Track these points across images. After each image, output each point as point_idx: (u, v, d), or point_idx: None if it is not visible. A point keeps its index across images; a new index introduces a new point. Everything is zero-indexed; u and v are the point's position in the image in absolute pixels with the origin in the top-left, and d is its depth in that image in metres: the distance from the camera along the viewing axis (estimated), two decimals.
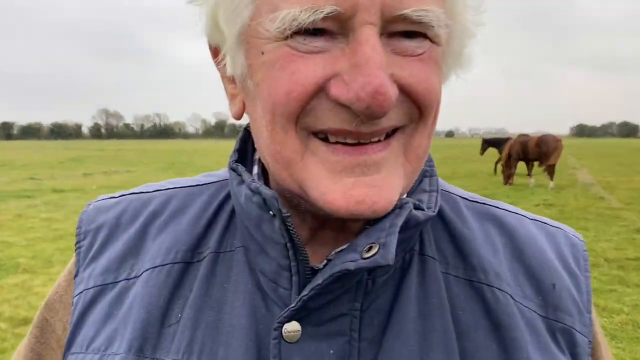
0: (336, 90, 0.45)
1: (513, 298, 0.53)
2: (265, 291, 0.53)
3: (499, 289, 0.53)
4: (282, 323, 0.49)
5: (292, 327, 0.49)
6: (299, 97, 0.45)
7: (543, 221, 0.60)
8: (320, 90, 0.45)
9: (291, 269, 0.50)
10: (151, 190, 0.66)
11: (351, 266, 0.46)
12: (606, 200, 12.48)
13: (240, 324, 0.52)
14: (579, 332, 0.54)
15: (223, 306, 0.54)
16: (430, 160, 0.58)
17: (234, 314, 0.53)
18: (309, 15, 0.42)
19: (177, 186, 0.66)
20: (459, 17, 0.48)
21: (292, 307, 0.48)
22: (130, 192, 0.67)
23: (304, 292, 0.48)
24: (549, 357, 0.51)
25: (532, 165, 16.56)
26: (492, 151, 21.13)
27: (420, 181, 0.56)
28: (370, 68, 0.42)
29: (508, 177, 16.52)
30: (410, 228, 0.49)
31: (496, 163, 19.35)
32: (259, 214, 0.51)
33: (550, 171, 15.66)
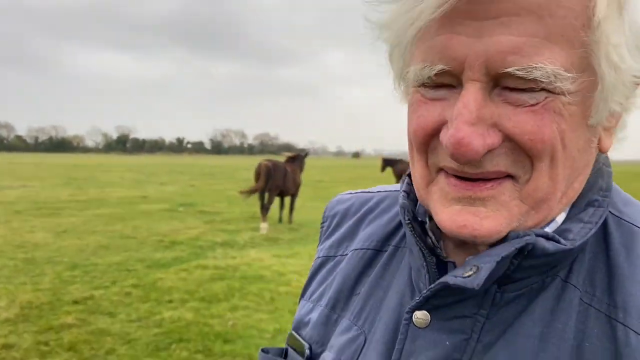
0: (441, 135, 0.52)
1: None
2: (412, 283, 0.64)
3: (635, 332, 0.50)
4: (413, 310, 0.57)
5: (422, 315, 0.57)
6: (422, 136, 0.55)
7: None
8: (439, 132, 0.53)
9: (425, 268, 0.59)
10: (374, 191, 0.84)
11: (450, 281, 0.51)
12: None
13: (392, 305, 0.64)
14: None
15: (388, 289, 0.67)
16: (605, 190, 0.58)
17: (392, 297, 0.65)
18: (426, 72, 0.51)
19: (391, 190, 0.82)
20: (611, 63, 0.48)
21: (417, 300, 0.57)
22: (362, 191, 0.86)
23: (424, 291, 0.56)
24: None
25: None
26: (390, 171, 22.59)
27: (582, 210, 0.56)
28: (457, 122, 0.48)
29: None
30: (537, 257, 0.52)
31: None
32: (403, 220, 0.64)
33: None
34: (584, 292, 0.54)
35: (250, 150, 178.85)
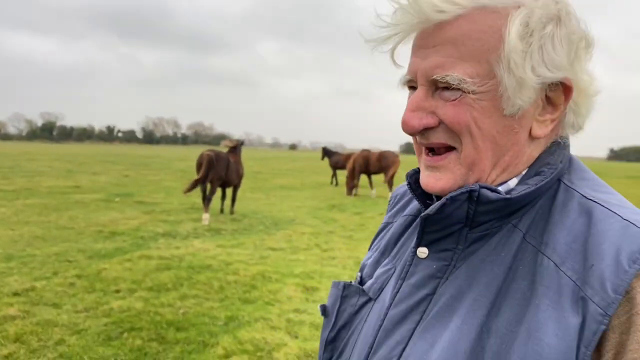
0: None
1: (558, 267, 0.68)
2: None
3: (549, 258, 0.70)
4: (417, 247, 0.82)
5: (423, 250, 0.80)
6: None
7: (634, 222, 0.68)
8: None
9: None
10: None
11: (422, 213, 0.78)
12: None
13: (411, 248, 0.86)
14: (595, 303, 0.64)
15: (412, 239, 0.89)
16: (552, 165, 0.77)
17: (411, 243, 0.87)
18: (404, 79, 0.80)
19: None
20: (512, 74, 0.70)
21: (417, 238, 0.82)
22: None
23: (418, 230, 0.82)
24: (559, 309, 0.65)
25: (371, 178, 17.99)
26: (327, 166, 23.23)
27: (530, 177, 0.77)
28: (405, 110, 0.77)
29: (351, 188, 17.64)
30: (485, 203, 0.73)
31: (332, 177, 22.60)
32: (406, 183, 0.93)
33: (390, 183, 17.10)
34: (526, 233, 0.74)
35: (183, 140, 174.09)
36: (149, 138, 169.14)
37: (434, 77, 0.71)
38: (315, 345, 4.27)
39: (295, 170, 36.14)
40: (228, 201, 12.15)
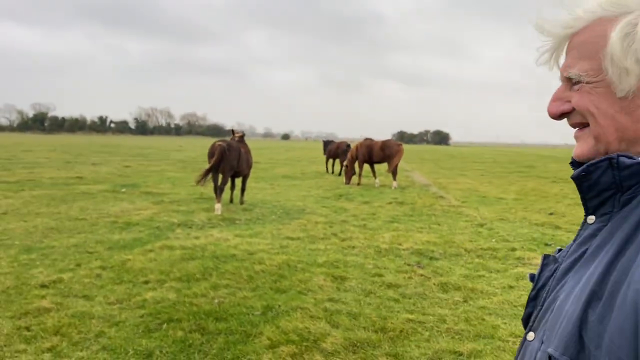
0: None
1: None
2: None
3: None
4: (587, 216, 0.95)
5: (590, 218, 0.93)
6: None
7: None
8: None
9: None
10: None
11: (575, 174, 0.94)
12: (446, 198, 13.98)
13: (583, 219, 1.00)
14: None
15: None
16: None
17: None
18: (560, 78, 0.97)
19: None
20: (615, 65, 0.85)
21: (584, 209, 0.96)
22: None
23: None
24: None
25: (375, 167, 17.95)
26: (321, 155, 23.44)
27: None
28: (550, 100, 0.97)
29: (350, 177, 17.58)
30: (624, 168, 0.86)
31: (325, 164, 23.52)
32: None
33: (394, 173, 17.07)
34: None
35: (177, 130, 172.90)
36: (142, 128, 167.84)
37: (565, 74, 0.94)
38: (359, 335, 4.25)
39: (293, 159, 36.07)
40: (237, 191, 12.08)
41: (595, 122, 0.90)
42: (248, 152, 11.77)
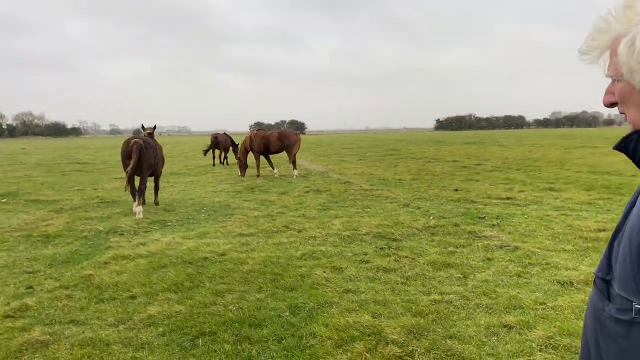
0: None
1: None
2: None
3: None
4: None
5: None
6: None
7: None
8: None
9: None
10: None
11: (614, 146, 1.24)
12: (354, 183, 14.32)
13: None
14: None
15: None
16: None
17: None
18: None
19: None
20: (624, 66, 1.13)
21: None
22: None
23: None
24: None
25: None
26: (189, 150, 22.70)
27: None
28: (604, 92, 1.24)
29: (244, 169, 17.23)
30: None
31: (213, 157, 23.59)
32: None
33: (294, 162, 17.08)
34: None
35: (10, 132, 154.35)
36: None
37: (606, 74, 1.21)
38: (407, 321, 4.20)
39: (179, 154, 34.31)
40: (148, 192, 11.20)
41: (628, 109, 1.19)
42: (161, 148, 10.95)
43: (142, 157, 9.59)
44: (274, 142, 17.19)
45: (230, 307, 4.60)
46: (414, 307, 4.51)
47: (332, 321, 4.20)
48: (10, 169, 23.40)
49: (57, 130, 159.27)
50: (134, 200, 9.90)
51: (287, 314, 4.43)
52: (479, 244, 6.80)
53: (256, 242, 7.19)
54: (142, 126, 11.52)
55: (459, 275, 5.46)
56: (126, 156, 9.74)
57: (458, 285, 5.12)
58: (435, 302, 4.64)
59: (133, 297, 4.93)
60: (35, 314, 4.56)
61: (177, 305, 4.67)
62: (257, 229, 8.16)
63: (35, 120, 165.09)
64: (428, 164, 20.85)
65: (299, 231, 7.87)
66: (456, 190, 12.41)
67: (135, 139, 9.76)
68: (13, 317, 4.52)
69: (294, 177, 16.66)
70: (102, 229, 8.38)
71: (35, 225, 8.81)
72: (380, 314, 4.37)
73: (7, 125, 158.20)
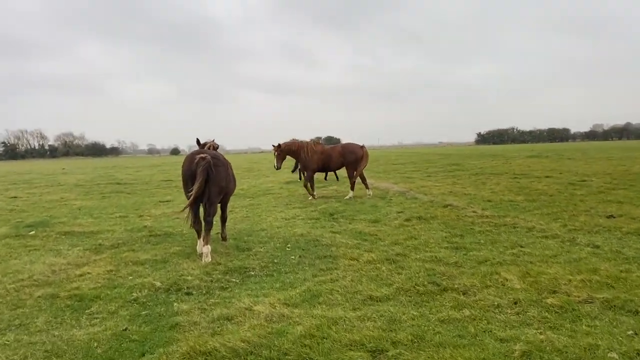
0: None
1: None
2: None
3: None
4: None
5: None
6: None
7: None
8: None
9: None
10: None
11: None
12: (460, 208, 11.44)
13: None
14: None
15: None
16: None
17: None
18: None
19: None
20: None
21: None
22: None
23: None
24: None
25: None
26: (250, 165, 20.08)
27: None
28: None
29: (313, 189, 14.63)
30: None
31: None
32: None
33: (364, 179, 14.60)
34: None
35: (52, 152, 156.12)
36: (13, 153, 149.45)
37: None
38: None
39: None
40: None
41: None
42: (231, 166, 8.28)
43: (211, 178, 6.95)
44: (336, 158, 14.42)
45: None
46: None
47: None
48: (46, 191, 21.32)
49: (97, 150, 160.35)
50: (198, 237, 7.28)
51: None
52: None
53: (407, 316, 4.41)
54: (198, 140, 8.68)
55: None
56: (189, 177, 7.10)
57: None
58: None
59: None
60: None
61: None
62: (390, 286, 5.37)
63: (76, 141, 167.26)
64: (522, 181, 17.74)
65: (464, 293, 5.06)
66: (612, 216, 9.41)
67: (201, 155, 7.08)
68: None
69: (368, 196, 14.00)
70: (159, 284, 5.73)
71: (66, 276, 6.25)
72: None
73: (49, 145, 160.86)
